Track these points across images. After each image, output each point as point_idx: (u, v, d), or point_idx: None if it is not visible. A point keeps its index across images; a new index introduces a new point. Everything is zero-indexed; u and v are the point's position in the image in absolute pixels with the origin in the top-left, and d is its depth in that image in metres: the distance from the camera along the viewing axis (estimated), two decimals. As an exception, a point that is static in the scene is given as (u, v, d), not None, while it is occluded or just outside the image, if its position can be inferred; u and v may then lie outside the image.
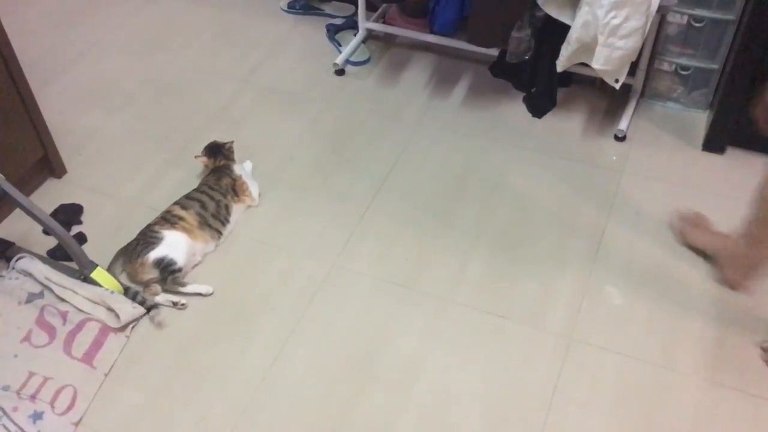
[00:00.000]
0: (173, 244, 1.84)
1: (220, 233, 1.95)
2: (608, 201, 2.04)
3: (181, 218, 1.90)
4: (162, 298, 1.82)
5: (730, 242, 1.78)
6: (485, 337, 1.74)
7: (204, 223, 1.92)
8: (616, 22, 1.82)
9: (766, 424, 1.57)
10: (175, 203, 1.96)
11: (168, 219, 1.91)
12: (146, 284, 1.84)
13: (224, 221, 1.96)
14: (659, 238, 1.94)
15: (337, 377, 1.67)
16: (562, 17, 1.96)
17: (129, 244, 1.90)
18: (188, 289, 1.84)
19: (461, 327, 1.77)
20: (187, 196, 1.98)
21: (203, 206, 1.94)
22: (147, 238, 1.87)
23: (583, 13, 1.88)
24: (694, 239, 1.88)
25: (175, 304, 1.82)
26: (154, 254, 1.82)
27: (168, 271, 1.83)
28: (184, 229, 1.88)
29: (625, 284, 1.84)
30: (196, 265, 1.91)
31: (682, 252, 1.91)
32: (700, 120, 2.26)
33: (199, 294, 1.84)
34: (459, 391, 1.64)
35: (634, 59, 1.95)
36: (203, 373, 1.69)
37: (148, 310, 1.79)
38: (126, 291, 1.82)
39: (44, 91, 2.31)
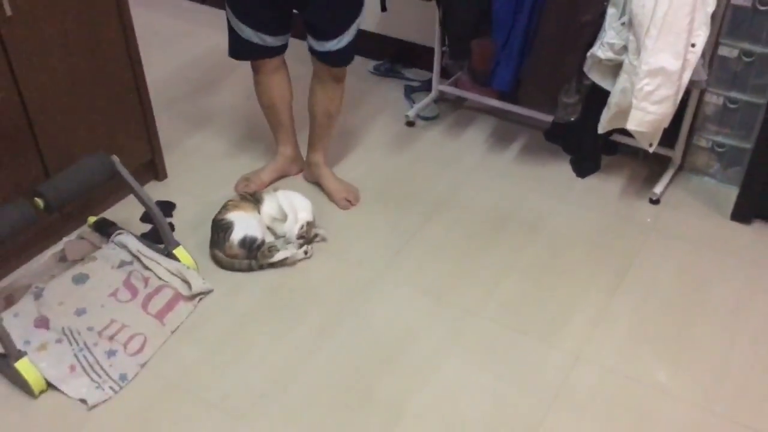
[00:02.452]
0: (242, 222, 2.16)
1: (256, 209, 2.24)
2: (635, 249, 2.24)
3: (228, 200, 2.25)
4: (285, 253, 2.17)
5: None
6: (503, 346, 1.95)
7: (244, 199, 2.26)
8: (649, 88, 2.08)
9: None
10: None
11: (224, 206, 2.23)
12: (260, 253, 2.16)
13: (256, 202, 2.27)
14: (678, 283, 2.13)
15: (366, 360, 1.91)
16: (604, 84, 2.23)
17: (211, 237, 2.22)
18: (278, 256, 2.15)
19: (482, 335, 1.98)
20: None
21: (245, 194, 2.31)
22: (220, 227, 2.18)
23: (622, 81, 2.15)
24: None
25: (306, 253, 2.20)
26: (234, 236, 2.14)
27: (255, 248, 2.15)
28: (234, 207, 2.20)
29: (640, 313, 2.03)
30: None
31: (699, 296, 2.08)
32: (733, 194, 2.43)
33: (287, 258, 2.16)
34: (471, 384, 1.85)
35: (666, 125, 2.18)
36: (252, 343, 1.96)
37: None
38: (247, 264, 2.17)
39: (163, 111, 2.71)
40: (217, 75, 3.17)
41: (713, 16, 2.09)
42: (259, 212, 2.25)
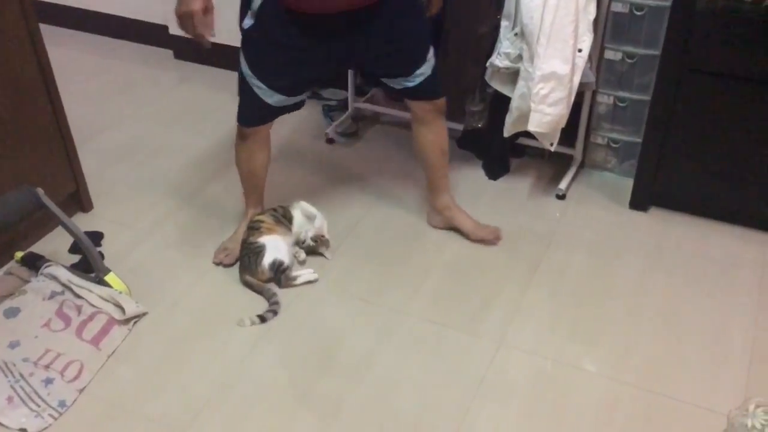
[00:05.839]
0: (274, 248, 2.21)
1: (289, 230, 2.31)
2: (546, 242, 2.41)
3: (261, 221, 2.27)
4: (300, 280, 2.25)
5: None
6: (430, 340, 2.07)
7: (278, 221, 2.29)
8: (544, 92, 2.26)
9: (660, 421, 1.85)
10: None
11: (253, 227, 2.27)
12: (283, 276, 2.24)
13: (289, 222, 2.32)
14: (587, 268, 2.30)
15: (302, 364, 2.00)
16: (505, 90, 2.40)
17: (242, 261, 2.26)
18: (299, 280, 2.24)
19: (411, 332, 2.10)
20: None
21: (275, 210, 2.34)
22: (252, 249, 2.23)
23: (520, 87, 2.33)
24: None
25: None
26: (266, 261, 2.20)
27: (280, 272, 2.21)
28: (269, 230, 2.25)
29: (554, 300, 2.18)
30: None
31: (606, 279, 2.25)
32: (630, 185, 2.62)
33: (309, 281, 2.24)
34: (402, 378, 1.95)
35: (563, 125, 2.37)
36: (189, 359, 2.02)
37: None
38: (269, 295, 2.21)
39: (85, 144, 2.75)
40: (137, 106, 3.22)
41: (596, 23, 2.30)
42: (290, 231, 2.30)
